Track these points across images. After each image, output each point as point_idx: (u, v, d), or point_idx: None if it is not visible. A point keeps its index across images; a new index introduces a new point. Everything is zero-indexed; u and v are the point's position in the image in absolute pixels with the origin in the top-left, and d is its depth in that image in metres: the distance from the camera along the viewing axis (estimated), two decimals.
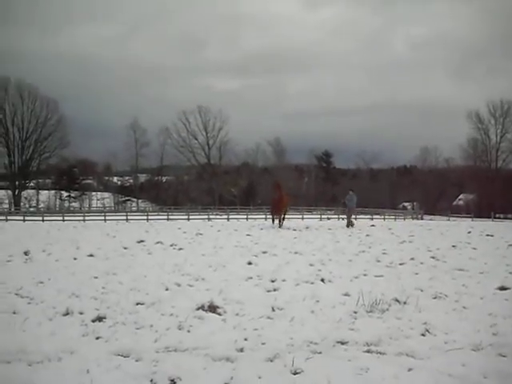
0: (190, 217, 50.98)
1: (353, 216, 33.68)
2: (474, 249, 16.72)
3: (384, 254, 14.61)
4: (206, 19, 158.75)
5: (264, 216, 48.63)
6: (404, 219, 58.97)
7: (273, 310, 7.44)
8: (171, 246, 16.70)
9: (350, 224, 31.03)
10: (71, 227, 31.46)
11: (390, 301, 7.88)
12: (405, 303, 7.84)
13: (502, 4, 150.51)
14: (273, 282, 9.75)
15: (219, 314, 7.19)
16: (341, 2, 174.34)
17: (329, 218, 51.19)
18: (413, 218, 62.48)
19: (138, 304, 7.81)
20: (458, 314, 7.41)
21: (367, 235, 22.49)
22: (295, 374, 4.98)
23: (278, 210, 30.35)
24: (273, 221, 31.53)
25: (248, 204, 72.80)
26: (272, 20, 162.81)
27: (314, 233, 24.71)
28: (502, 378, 4.91)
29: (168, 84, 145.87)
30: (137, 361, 5.32)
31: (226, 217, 51.87)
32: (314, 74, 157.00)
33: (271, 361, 5.33)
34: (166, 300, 8.05)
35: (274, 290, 9.00)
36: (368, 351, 5.64)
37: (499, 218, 72.73)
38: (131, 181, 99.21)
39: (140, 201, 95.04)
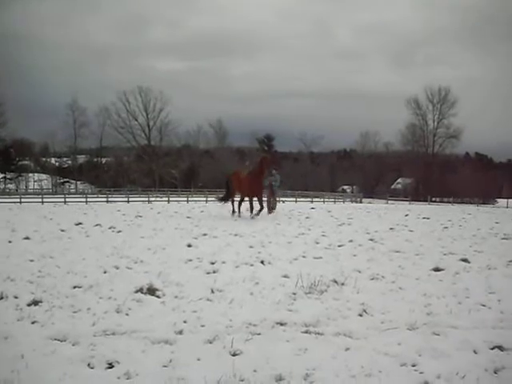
0: (130, 199, 50.53)
1: (277, 199, 28.66)
2: (411, 231, 17.07)
3: (323, 236, 14.76)
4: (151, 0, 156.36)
5: (205, 198, 48.45)
6: (343, 202, 59.89)
7: (212, 292, 7.43)
8: (110, 228, 16.46)
9: (271, 208, 25.24)
10: (6, 209, 30.59)
11: (328, 282, 7.98)
12: (343, 284, 7.96)
13: None
14: (212, 264, 9.72)
15: (158, 297, 7.13)
16: None
17: None
18: (352, 201, 63.46)
19: (75, 287, 7.66)
20: (394, 294, 7.57)
21: (307, 217, 22.68)
22: (234, 355, 5.00)
23: (254, 190, 22.25)
24: (238, 207, 23.50)
25: (189, 186, 72.46)
26: (217, 2, 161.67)
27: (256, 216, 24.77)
28: (436, 355, 5.04)
29: (110, 64, 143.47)
30: (73, 345, 5.23)
31: (166, 199, 51.54)
32: (258, 57, 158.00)
33: (210, 343, 5.32)
34: (104, 283, 7.93)
35: (214, 272, 8.98)
36: (306, 332, 5.70)
37: (435, 201, 74.72)
38: (70, 162, 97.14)
39: (79, 183, 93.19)
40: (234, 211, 23.53)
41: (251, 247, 12.06)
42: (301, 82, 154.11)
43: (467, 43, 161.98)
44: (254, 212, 21.95)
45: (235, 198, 24.03)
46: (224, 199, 24.31)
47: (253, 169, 23.10)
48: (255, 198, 22.46)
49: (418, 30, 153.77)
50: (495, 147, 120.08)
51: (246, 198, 23.21)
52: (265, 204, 23.76)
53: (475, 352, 5.20)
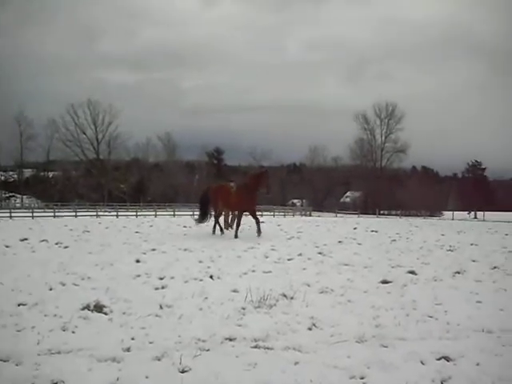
0: (78, 214, 49.71)
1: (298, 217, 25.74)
2: (359, 244, 17.27)
3: (273, 250, 14.81)
4: (102, 11, 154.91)
5: (154, 213, 48.02)
6: (293, 216, 60.23)
7: (161, 307, 7.34)
8: (57, 244, 16.14)
9: (229, 225, 23.42)
10: None
11: (277, 296, 7.99)
12: (292, 298, 7.97)
13: (393, 11, 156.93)
14: (161, 279, 9.61)
15: (105, 314, 7.00)
16: (241, 1, 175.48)
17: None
18: (301, 215, 63.89)
19: (19, 305, 7.45)
20: (343, 307, 7.62)
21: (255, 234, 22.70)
22: (183, 372, 4.94)
23: (250, 206, 20.81)
24: (222, 225, 22.13)
25: (138, 201, 71.73)
26: (170, 15, 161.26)
27: (205, 229, 24.66)
28: (384, 367, 5.08)
29: (59, 75, 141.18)
30: (17, 365, 5.08)
31: (115, 214, 50.94)
32: (210, 69, 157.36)
33: (159, 360, 5.25)
34: (49, 300, 7.74)
35: (163, 287, 8.88)
36: (256, 347, 5.68)
37: (384, 214, 75.95)
38: (15, 176, 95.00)
39: (25, 197, 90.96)
40: (221, 230, 21.50)
41: (200, 262, 11.99)
42: (252, 95, 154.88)
43: (414, 60, 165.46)
44: (256, 229, 20.36)
45: (216, 214, 21.97)
46: (203, 217, 22.11)
47: (246, 183, 21.15)
48: (246, 213, 21.23)
49: (368, 46, 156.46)
50: (441, 161, 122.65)
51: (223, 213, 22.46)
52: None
53: (422, 363, 5.27)
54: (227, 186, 22.17)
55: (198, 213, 23.45)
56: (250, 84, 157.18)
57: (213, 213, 22.11)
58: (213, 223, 21.82)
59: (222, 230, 21.55)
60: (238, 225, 20.49)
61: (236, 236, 19.72)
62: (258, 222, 20.62)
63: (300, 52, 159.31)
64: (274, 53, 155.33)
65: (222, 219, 22.54)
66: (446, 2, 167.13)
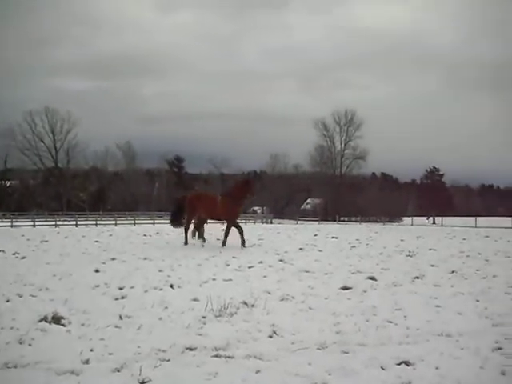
0: (36, 223, 48.79)
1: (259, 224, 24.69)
2: (320, 251, 17.37)
3: (233, 257, 14.79)
4: (59, 19, 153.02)
5: (114, 222, 47.52)
6: (254, 223, 60.25)
7: (120, 318, 7.23)
8: (14, 254, 15.85)
9: (199, 233, 21.90)
10: None
11: (238, 304, 7.95)
12: (253, 306, 7.94)
13: (350, 20, 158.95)
14: (121, 289, 9.49)
15: (64, 325, 6.86)
16: (197, 7, 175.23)
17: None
18: (262, 222, 64.00)
19: None
20: (304, 314, 7.62)
21: (217, 239, 22.62)
22: (143, 383, 4.86)
23: (234, 215, 20.33)
24: (197, 233, 21.17)
25: (98, 210, 70.89)
26: (128, 22, 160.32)
27: (165, 238, 24.53)
28: (345, 373, 5.09)
29: (17, 83, 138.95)
30: None
31: (74, 223, 50.25)
32: (169, 77, 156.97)
33: (118, 371, 5.16)
34: (6, 312, 7.56)
35: (122, 297, 8.76)
36: (217, 356, 5.63)
37: (344, 220, 76.65)
38: None
39: None
40: (192, 236, 20.79)
41: (160, 271, 11.89)
42: (212, 103, 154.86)
43: (372, 68, 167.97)
44: (240, 240, 19.39)
45: (190, 223, 20.94)
46: (178, 221, 21.19)
47: (230, 191, 20.79)
48: (230, 223, 20.08)
49: (326, 53, 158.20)
50: (400, 167, 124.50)
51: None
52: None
53: (383, 368, 5.29)
54: (210, 195, 21.87)
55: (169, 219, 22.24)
56: (211, 92, 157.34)
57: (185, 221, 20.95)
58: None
59: (200, 237, 20.80)
60: (227, 234, 19.88)
61: (224, 244, 19.50)
62: (241, 232, 19.82)
63: (259, 60, 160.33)
64: (233, 61, 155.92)
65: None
66: (401, 11, 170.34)
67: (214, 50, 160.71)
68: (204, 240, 20.60)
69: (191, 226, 21.21)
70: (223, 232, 20.25)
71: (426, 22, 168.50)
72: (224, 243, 19.48)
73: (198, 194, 22.10)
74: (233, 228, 20.06)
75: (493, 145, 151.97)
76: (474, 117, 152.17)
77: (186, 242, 20.47)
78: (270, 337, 6.37)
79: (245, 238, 19.67)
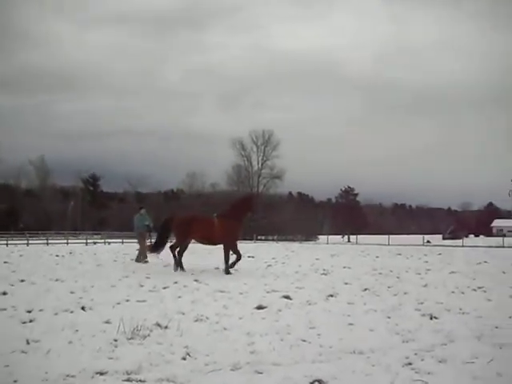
0: None
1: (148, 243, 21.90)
2: (236, 270, 17.32)
3: (147, 278, 14.57)
4: None
5: (26, 241, 46.01)
6: (170, 242, 59.62)
7: (28, 343, 6.92)
8: None
9: (142, 257, 21.44)
10: None
11: (151, 326, 7.78)
12: (166, 327, 7.80)
13: (269, 41, 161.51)
14: (29, 312, 9.11)
15: None
16: (119, 26, 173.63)
17: (95, 243, 50.13)
18: None
19: None
20: (218, 335, 7.54)
21: (132, 259, 22.31)
22: None
23: (234, 237, 18.39)
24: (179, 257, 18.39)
25: (9, 228, 68.49)
26: (48, 38, 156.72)
27: (78, 258, 23.93)
28: None
29: None
30: None
31: None
32: (89, 94, 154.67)
33: None
34: None
35: (30, 321, 8.41)
36: (128, 380, 5.47)
37: (261, 239, 76.98)
38: None
39: None
40: (179, 265, 18.02)
41: (72, 292, 11.53)
42: (130, 122, 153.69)
43: (291, 88, 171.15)
44: (230, 263, 17.52)
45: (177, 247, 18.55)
46: (158, 249, 19.03)
47: (228, 211, 18.46)
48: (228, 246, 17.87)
49: (246, 74, 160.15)
50: (316, 187, 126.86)
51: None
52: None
53: None
54: (206, 216, 19.63)
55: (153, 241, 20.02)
56: (131, 110, 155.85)
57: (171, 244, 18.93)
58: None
59: (180, 265, 18.06)
60: (228, 260, 17.54)
61: (228, 272, 17.00)
62: (239, 259, 17.97)
63: (180, 79, 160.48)
64: (154, 79, 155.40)
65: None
66: (320, 34, 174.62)
67: (136, 68, 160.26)
68: (182, 267, 17.92)
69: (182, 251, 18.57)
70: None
71: (346, 45, 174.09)
72: (228, 270, 17.14)
73: (191, 216, 19.97)
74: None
75: (407, 166, 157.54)
76: (390, 139, 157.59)
77: (178, 267, 17.99)
78: (184, 359, 6.26)
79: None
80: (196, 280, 13.99)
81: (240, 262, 18.14)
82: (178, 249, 18.44)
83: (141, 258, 21.28)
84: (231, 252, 17.86)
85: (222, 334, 7.57)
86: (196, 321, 8.47)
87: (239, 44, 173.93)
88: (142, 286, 12.89)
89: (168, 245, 18.85)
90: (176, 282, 13.36)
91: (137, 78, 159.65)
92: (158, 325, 7.89)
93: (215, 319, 8.58)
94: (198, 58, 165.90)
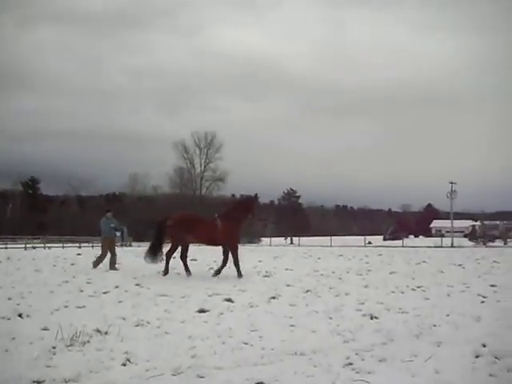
0: None
1: (117, 248, 21.61)
2: (178, 274, 17.22)
3: (88, 283, 14.29)
4: None
5: None
6: None
7: None
8: None
9: (99, 262, 19.92)
10: None
11: (91, 332, 7.63)
12: (106, 333, 7.67)
13: (215, 44, 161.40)
14: None
15: None
16: (61, 24, 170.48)
17: (34, 247, 49.15)
18: (122, 245, 62.64)
19: None
20: (159, 339, 7.46)
21: (72, 264, 21.92)
22: None
23: (235, 239, 17.96)
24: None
25: None
26: None
27: (15, 263, 23.33)
28: None
29: None
30: None
31: None
32: (28, 94, 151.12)
33: None
34: None
35: None
36: None
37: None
38: None
39: None
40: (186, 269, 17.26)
41: (10, 299, 11.19)
42: (72, 123, 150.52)
43: (233, 90, 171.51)
44: (217, 269, 17.44)
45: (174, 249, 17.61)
46: (156, 254, 17.63)
47: (229, 212, 18.05)
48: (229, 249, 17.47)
49: (190, 75, 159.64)
50: (259, 189, 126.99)
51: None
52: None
53: None
54: (206, 216, 18.86)
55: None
56: (72, 111, 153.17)
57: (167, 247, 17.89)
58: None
59: (186, 269, 17.28)
60: (237, 263, 17.11)
61: (240, 274, 16.65)
62: (236, 263, 17.23)
63: (124, 80, 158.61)
64: (97, 79, 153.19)
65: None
66: (262, 37, 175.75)
67: (78, 67, 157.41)
68: (188, 270, 17.25)
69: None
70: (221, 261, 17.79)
71: (287, 48, 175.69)
72: (240, 274, 16.71)
73: (188, 215, 19.26)
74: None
75: (347, 168, 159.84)
76: (330, 141, 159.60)
77: (166, 272, 17.20)
78: (124, 365, 6.17)
79: (82, 262, 18.31)
80: (138, 284, 13.81)
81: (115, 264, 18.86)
82: (173, 253, 17.65)
83: (95, 262, 20.07)
84: (225, 254, 17.61)
85: (164, 339, 7.50)
86: (137, 326, 8.36)
87: (183, 45, 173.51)
88: (81, 291, 12.64)
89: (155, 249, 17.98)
90: (117, 287, 13.16)
91: (79, 79, 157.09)
92: (98, 331, 7.74)
93: (156, 324, 8.49)
94: (141, 59, 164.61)
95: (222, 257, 17.54)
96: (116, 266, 19.60)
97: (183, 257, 17.55)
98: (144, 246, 53.61)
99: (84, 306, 10.28)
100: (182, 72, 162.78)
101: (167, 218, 18.33)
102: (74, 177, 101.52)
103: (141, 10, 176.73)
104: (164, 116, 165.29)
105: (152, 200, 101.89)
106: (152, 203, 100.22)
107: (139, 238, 76.34)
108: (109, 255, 19.93)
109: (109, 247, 20.08)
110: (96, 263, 19.77)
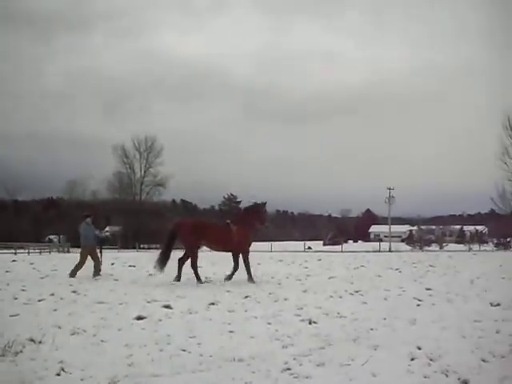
0: None
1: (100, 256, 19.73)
2: (116, 280, 17.01)
3: (22, 290, 13.89)
4: None
5: None
6: (50, 253, 57.72)
7: None
8: None
9: (95, 272, 18.79)
10: None
11: (24, 341, 7.41)
12: (40, 342, 7.47)
13: (154, 47, 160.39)
14: None
15: None
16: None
17: None
18: (59, 252, 61.48)
19: None
20: (95, 348, 7.32)
21: (7, 271, 21.32)
22: None
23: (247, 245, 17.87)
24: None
25: None
26: None
27: None
28: None
29: None
30: None
31: None
32: None
33: None
34: None
35: None
36: None
37: (144, 248, 75.92)
38: None
39: None
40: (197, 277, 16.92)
41: None
42: (8, 126, 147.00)
43: (176, 95, 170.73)
44: (228, 274, 17.31)
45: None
46: (165, 261, 17.28)
47: (241, 218, 18.30)
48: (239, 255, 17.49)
49: (131, 78, 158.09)
50: (200, 194, 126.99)
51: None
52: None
53: None
54: (219, 222, 19.14)
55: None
56: (8, 113, 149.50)
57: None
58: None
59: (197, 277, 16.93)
60: (248, 268, 17.26)
61: (252, 280, 16.71)
62: (237, 266, 17.51)
63: (62, 81, 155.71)
64: (34, 81, 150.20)
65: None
66: (204, 42, 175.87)
67: (15, 70, 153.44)
68: (179, 278, 17.04)
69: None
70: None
71: (230, 54, 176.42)
72: (251, 278, 16.88)
73: (202, 221, 19.44)
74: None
75: (288, 173, 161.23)
76: (271, 146, 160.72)
77: (179, 278, 17.02)
78: (58, 374, 6.02)
79: (18, 269, 17.94)
80: (74, 291, 13.53)
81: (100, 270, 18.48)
82: (186, 259, 17.42)
83: (73, 270, 18.86)
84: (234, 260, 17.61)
85: (100, 347, 7.36)
86: (72, 334, 8.17)
87: (123, 48, 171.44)
88: (15, 298, 12.31)
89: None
90: (52, 294, 12.82)
91: (16, 81, 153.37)
92: (32, 340, 7.52)
93: (93, 332, 8.32)
94: (80, 61, 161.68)
95: (233, 263, 17.60)
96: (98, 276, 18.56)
97: (194, 263, 17.21)
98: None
99: (17, 315, 9.97)
100: (124, 75, 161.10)
101: (179, 225, 18.28)
102: (10, 181, 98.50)
103: (79, 12, 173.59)
104: (103, 119, 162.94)
105: (90, 205, 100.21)
106: (91, 208, 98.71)
107: (77, 244, 75.04)
108: (92, 263, 19.02)
109: (90, 255, 19.06)
110: (74, 272, 18.72)
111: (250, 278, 16.86)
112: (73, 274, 18.58)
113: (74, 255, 45.53)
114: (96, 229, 20.37)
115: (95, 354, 6.96)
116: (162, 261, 17.27)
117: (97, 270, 18.81)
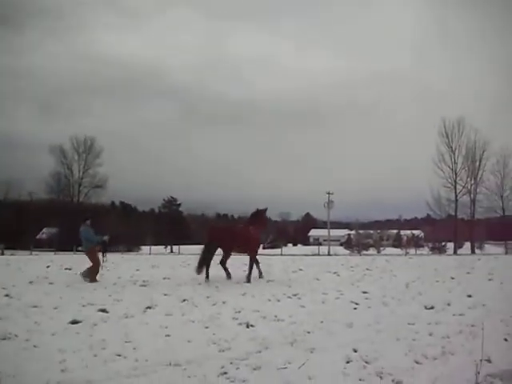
0: None
1: (103, 261, 19.15)
2: (51, 283, 16.64)
3: None
4: None
5: None
6: None
7: None
8: None
9: (92, 275, 17.78)
10: None
11: None
12: None
13: (94, 47, 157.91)
14: None
15: None
16: None
17: None
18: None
19: None
20: (27, 353, 7.15)
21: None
22: None
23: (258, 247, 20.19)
24: (205, 269, 18.66)
25: None
26: None
27: None
28: None
29: None
30: None
31: None
32: None
33: None
34: None
35: None
36: None
37: (81, 251, 74.48)
38: None
39: None
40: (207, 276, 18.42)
41: None
42: None
43: (114, 95, 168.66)
44: (247, 274, 18.50)
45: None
46: (206, 264, 18.66)
47: (254, 221, 19.56)
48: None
49: (67, 78, 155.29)
50: (139, 196, 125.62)
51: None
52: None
53: None
54: (244, 227, 19.75)
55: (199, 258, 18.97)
56: None
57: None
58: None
59: (228, 274, 19.30)
60: (259, 267, 19.59)
61: (262, 275, 19.29)
62: (258, 264, 19.53)
63: None
64: None
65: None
66: (143, 43, 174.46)
67: None
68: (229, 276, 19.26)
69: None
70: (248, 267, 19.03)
71: (170, 57, 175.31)
72: (261, 274, 19.36)
73: (229, 225, 21.62)
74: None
75: (228, 176, 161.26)
76: (210, 150, 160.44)
77: (207, 277, 18.42)
78: None
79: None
80: (7, 295, 13.18)
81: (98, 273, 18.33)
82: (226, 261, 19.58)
83: (90, 275, 17.84)
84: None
85: (32, 353, 7.19)
86: (3, 339, 7.96)
87: (60, 47, 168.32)
88: None
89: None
90: None
91: None
92: None
93: (25, 337, 8.12)
94: (15, 60, 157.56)
95: (250, 262, 18.91)
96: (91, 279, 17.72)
97: (224, 263, 19.51)
98: (17, 255, 51.53)
99: None
100: (61, 75, 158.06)
101: (218, 228, 20.71)
102: None
103: (13, 10, 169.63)
104: (41, 120, 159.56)
105: (26, 206, 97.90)
106: (26, 210, 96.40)
107: (12, 246, 73.34)
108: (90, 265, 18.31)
109: (93, 257, 18.40)
110: (92, 275, 17.80)
111: (248, 278, 18.21)
112: (93, 278, 17.68)
113: (8, 257, 44.53)
114: (97, 232, 20.15)
115: (27, 359, 6.80)
116: (205, 265, 18.67)
117: (90, 272, 18.03)
